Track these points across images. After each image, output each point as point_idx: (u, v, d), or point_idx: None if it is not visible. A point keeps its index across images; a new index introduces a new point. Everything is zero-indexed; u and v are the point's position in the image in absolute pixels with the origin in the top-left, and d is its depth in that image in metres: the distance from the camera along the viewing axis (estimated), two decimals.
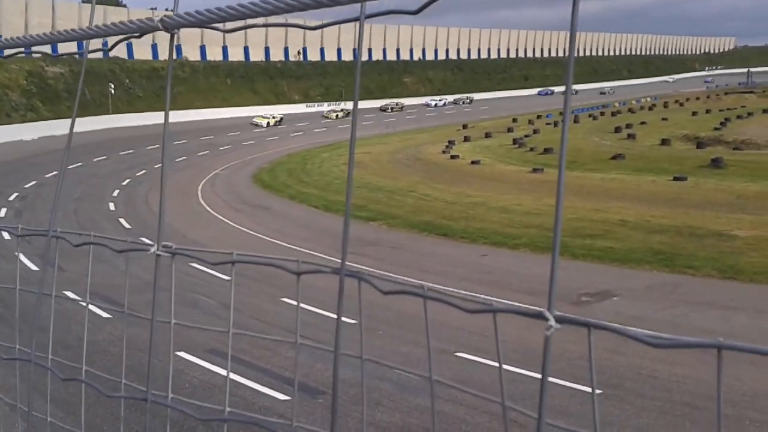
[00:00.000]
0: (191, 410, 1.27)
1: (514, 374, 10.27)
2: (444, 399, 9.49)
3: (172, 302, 1.39)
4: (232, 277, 1.35)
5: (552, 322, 0.92)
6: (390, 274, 17.17)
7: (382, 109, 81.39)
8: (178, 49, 73.64)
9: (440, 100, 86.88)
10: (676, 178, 32.04)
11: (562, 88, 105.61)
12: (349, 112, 72.83)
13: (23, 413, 1.73)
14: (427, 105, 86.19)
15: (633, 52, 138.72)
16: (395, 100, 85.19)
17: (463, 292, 15.41)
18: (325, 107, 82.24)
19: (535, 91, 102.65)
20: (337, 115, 71.15)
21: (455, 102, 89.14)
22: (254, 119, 64.25)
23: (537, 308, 0.92)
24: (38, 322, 1.68)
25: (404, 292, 1.08)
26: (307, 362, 10.18)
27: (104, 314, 12.11)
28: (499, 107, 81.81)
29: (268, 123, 63.37)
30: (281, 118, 65.18)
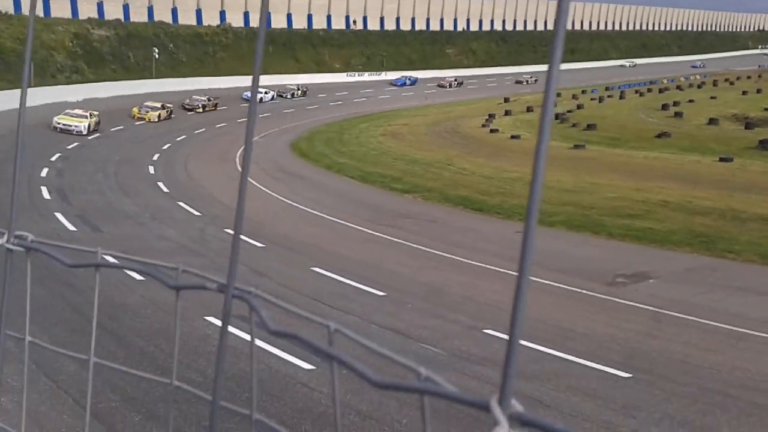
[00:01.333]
0: None
1: (542, 353, 10.21)
2: (469, 376, 9.50)
3: (27, 311, 1.16)
4: (96, 284, 1.10)
5: (502, 427, 0.61)
6: (415, 245, 17.21)
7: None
8: (222, 14, 73.89)
9: (266, 93, 56.58)
10: (722, 159, 31.20)
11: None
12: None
13: None
14: (247, 99, 56.49)
15: (684, 28, 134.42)
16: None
17: (493, 268, 15.31)
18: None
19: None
20: (159, 115, 42.76)
21: (281, 95, 58.90)
22: (56, 120, 34.89)
23: (482, 398, 0.64)
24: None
25: (293, 336, 0.82)
26: (348, 345, 10.26)
27: (138, 276, 12.30)
28: (543, 81, 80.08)
29: (88, 126, 35.37)
30: (98, 120, 37.20)
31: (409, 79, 76.05)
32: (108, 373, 8.05)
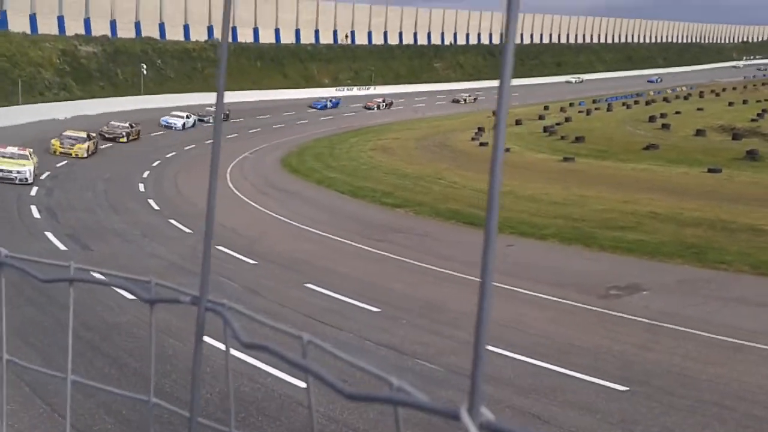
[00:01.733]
0: None
1: (539, 368, 10.14)
2: (462, 390, 9.41)
3: (3, 328, 1.12)
4: (70, 298, 1.08)
5: None
6: (408, 260, 17.14)
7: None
8: (210, 30, 73.98)
9: (187, 117, 47.38)
10: (710, 170, 31.41)
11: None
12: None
13: None
14: (167, 125, 45.48)
15: (669, 40, 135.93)
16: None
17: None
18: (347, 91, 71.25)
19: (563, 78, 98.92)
20: (88, 149, 33.56)
21: (202, 118, 47.95)
22: None
23: (452, 406, 0.62)
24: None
25: (265, 348, 0.81)
26: (322, 357, 10.16)
27: (129, 296, 12.05)
28: (531, 94, 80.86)
29: (32, 170, 25.88)
30: (36, 163, 26.60)
31: (331, 100, 67.74)
32: (104, 395, 7.91)
